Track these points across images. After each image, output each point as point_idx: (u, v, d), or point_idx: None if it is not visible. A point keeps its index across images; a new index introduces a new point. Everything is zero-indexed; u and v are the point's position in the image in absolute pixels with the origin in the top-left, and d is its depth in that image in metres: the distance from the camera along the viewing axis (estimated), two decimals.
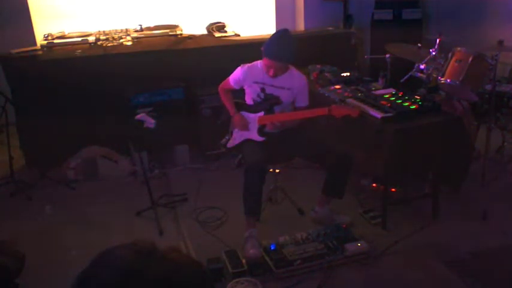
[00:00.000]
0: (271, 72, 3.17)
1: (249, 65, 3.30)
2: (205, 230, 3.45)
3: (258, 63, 3.28)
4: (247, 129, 3.31)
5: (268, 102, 3.26)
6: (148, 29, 4.94)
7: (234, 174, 3.95)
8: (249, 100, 3.36)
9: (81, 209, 3.82)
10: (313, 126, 3.50)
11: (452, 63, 3.47)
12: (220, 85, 3.45)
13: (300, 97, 3.31)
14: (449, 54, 3.52)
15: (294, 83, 3.26)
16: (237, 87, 3.38)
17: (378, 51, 4.51)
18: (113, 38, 4.73)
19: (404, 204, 3.60)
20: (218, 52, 4.74)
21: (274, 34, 3.27)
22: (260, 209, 3.18)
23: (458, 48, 3.49)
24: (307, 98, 3.34)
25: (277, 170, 3.59)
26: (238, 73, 3.32)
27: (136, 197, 3.79)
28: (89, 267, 0.89)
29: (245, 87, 3.35)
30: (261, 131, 3.28)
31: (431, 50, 3.69)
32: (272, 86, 3.25)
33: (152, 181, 3.85)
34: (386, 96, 3.51)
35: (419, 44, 3.98)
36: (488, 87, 3.68)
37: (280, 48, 3.15)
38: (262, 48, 3.17)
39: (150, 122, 3.55)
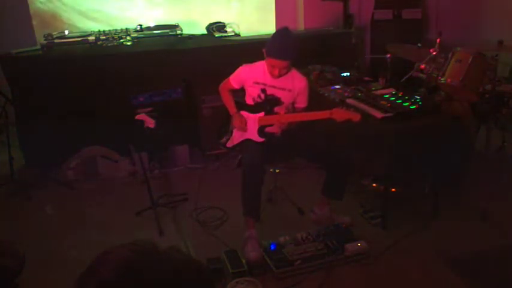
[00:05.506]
0: (276, 72, 3.12)
1: (251, 65, 3.29)
2: (205, 230, 3.45)
3: (260, 63, 3.26)
4: (245, 131, 3.30)
5: (268, 103, 3.25)
6: (148, 29, 4.94)
7: (234, 174, 3.95)
8: (249, 100, 3.34)
9: (81, 209, 3.82)
10: (313, 126, 3.50)
11: (452, 63, 3.46)
12: (221, 84, 3.43)
13: (299, 98, 3.30)
14: (449, 54, 3.52)
15: (294, 84, 3.25)
16: (238, 86, 3.37)
17: (378, 51, 4.51)
18: (113, 38, 4.73)
19: (405, 204, 3.60)
20: (218, 52, 4.73)
21: (275, 33, 3.26)
22: (259, 209, 3.18)
23: (458, 48, 3.49)
24: (306, 99, 3.33)
25: (277, 170, 3.59)
26: (239, 73, 3.31)
27: (137, 197, 3.79)
28: (89, 267, 0.89)
29: (246, 87, 3.34)
30: (261, 131, 3.27)
31: (431, 50, 3.69)
32: (273, 87, 3.24)
33: (152, 181, 3.85)
34: (386, 96, 3.50)
35: (419, 44, 3.97)
36: (488, 87, 3.68)
37: (283, 46, 3.12)
38: (264, 50, 3.15)
39: (150, 122, 3.55)
